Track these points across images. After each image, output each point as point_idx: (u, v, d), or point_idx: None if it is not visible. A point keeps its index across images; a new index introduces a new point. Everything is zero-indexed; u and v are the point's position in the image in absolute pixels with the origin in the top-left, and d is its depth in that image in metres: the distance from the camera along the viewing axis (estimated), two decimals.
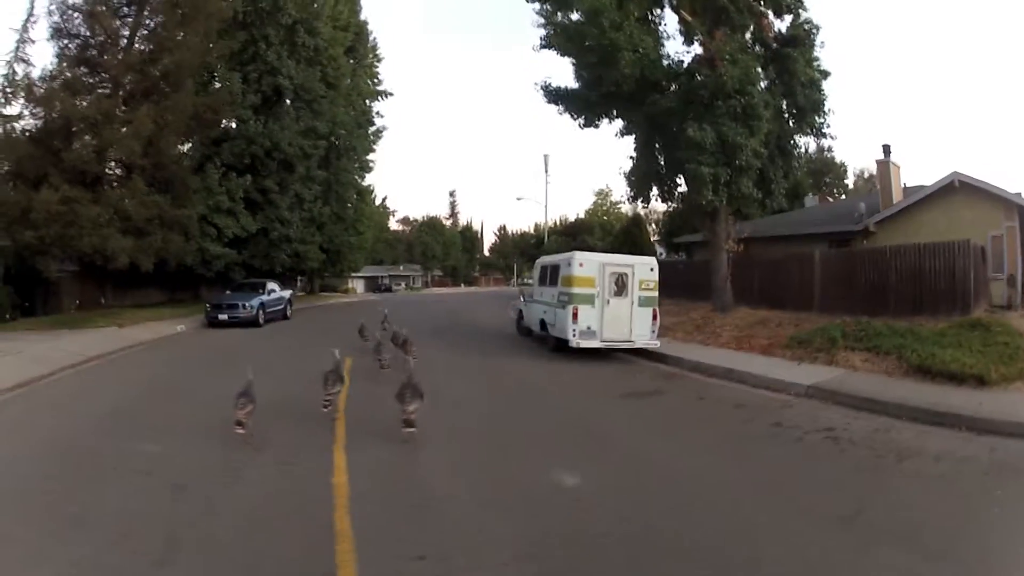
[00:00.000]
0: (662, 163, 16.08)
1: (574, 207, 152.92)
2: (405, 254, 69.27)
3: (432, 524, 3.98)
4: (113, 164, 18.53)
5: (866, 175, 50.22)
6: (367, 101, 31.53)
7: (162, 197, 17.96)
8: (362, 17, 30.41)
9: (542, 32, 15.73)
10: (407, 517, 4.09)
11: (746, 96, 13.10)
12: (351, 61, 27.99)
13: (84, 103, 17.40)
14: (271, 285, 20.33)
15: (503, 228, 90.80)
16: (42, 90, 17.46)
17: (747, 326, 13.69)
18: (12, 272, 17.86)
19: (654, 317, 11.72)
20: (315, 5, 24.63)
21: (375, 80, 32.11)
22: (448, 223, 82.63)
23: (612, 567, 3.40)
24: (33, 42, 18.40)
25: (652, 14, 15.54)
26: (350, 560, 3.41)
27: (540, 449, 5.91)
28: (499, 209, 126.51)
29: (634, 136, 16.67)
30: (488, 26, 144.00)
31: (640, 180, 16.77)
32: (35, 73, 17.75)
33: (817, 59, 15.11)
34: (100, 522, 3.96)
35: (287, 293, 21.67)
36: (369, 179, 32.24)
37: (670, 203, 18.92)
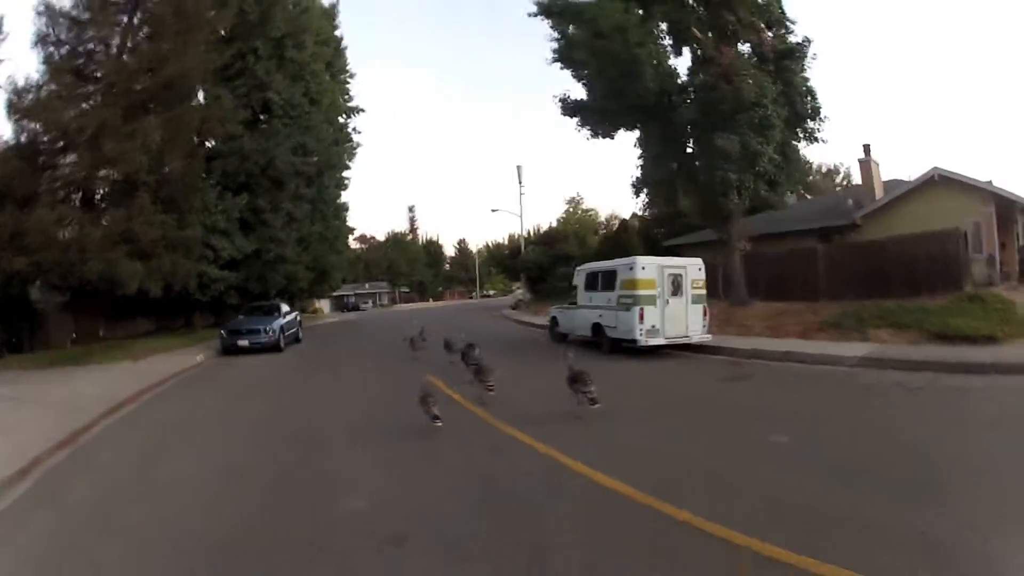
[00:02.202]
0: (675, 170, 17.98)
1: (544, 216, 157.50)
2: (364, 272, 69.29)
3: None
4: (114, 181, 17.59)
5: (825, 170, 55.14)
6: (341, 117, 32.13)
7: (168, 216, 17.44)
8: (337, 33, 31.13)
9: (554, 46, 17.42)
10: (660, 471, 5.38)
11: (761, 108, 15.14)
12: (328, 77, 28.62)
13: (76, 114, 16.63)
14: (284, 307, 20.53)
15: (463, 242, 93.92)
16: (27, 101, 16.50)
17: (769, 317, 15.61)
18: None
19: (705, 313, 13.35)
20: (303, 18, 25.16)
21: (346, 96, 32.78)
22: (408, 239, 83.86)
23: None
24: (2, 60, 17.92)
25: (658, 31, 17.51)
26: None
27: (707, 422, 7.31)
28: (458, 223, 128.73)
29: (644, 146, 18.58)
30: (432, 42, 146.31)
31: (653, 187, 18.71)
32: (19, 83, 16.64)
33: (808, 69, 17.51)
34: None
35: (296, 315, 21.91)
36: (344, 196, 32.82)
37: (675, 207, 21.07)
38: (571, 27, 16.70)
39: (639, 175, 19.17)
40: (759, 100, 15.00)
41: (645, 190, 19.30)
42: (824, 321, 13.69)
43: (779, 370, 10.65)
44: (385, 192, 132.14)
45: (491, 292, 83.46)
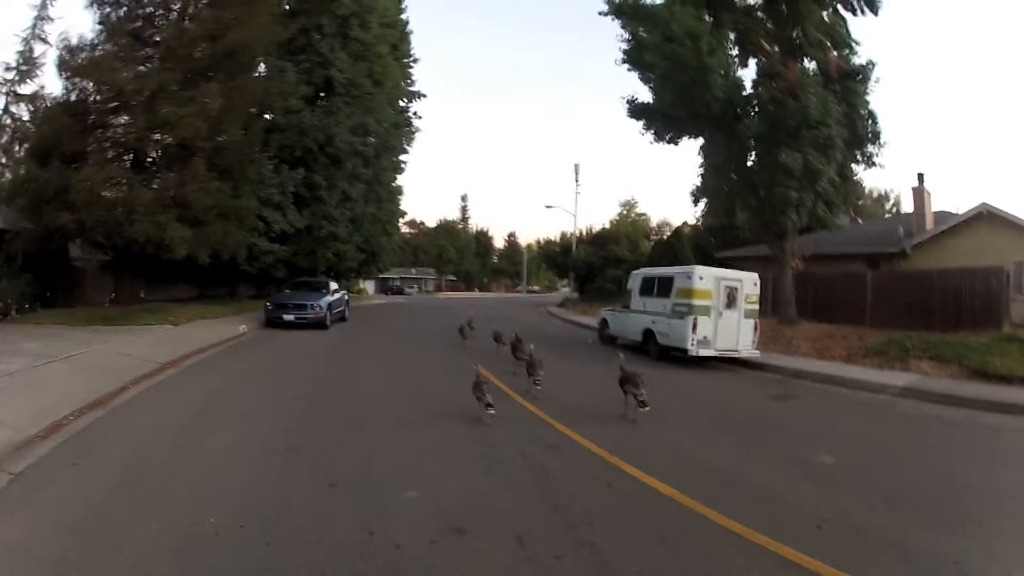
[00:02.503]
0: (735, 182, 18.01)
1: (595, 217, 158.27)
2: (411, 257, 70.44)
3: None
4: (168, 145, 17.54)
5: (876, 195, 53.97)
6: (403, 101, 32.56)
7: (222, 184, 17.45)
8: (403, 16, 31.64)
9: (624, 47, 17.60)
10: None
11: (825, 127, 15.08)
12: (393, 60, 29.12)
13: (132, 76, 16.59)
14: (333, 284, 20.53)
15: (512, 235, 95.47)
16: (81, 61, 16.62)
17: (816, 338, 15.54)
18: (30, 258, 16.22)
19: (756, 328, 13.37)
20: None
21: (409, 80, 33.20)
22: (459, 228, 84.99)
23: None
24: (52, 20, 17.78)
25: (727, 40, 17.52)
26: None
27: (754, 437, 7.47)
28: (508, 216, 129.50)
29: (707, 155, 18.66)
30: (501, 35, 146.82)
31: (712, 196, 18.82)
32: (72, 42, 16.87)
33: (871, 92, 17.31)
34: None
35: (344, 294, 22.00)
36: (399, 180, 33.42)
37: (732, 219, 21.12)
38: (641, 29, 16.86)
39: (699, 184, 19.31)
40: (823, 119, 14.95)
41: (704, 199, 19.38)
42: (869, 348, 13.64)
43: (823, 392, 10.69)
44: (438, 179, 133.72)
45: (536, 288, 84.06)
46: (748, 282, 13.47)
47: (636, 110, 18.25)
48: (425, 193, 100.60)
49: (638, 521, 4.33)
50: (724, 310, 12.97)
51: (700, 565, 3.68)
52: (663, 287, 13.90)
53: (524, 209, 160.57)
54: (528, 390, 8.62)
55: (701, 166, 19.42)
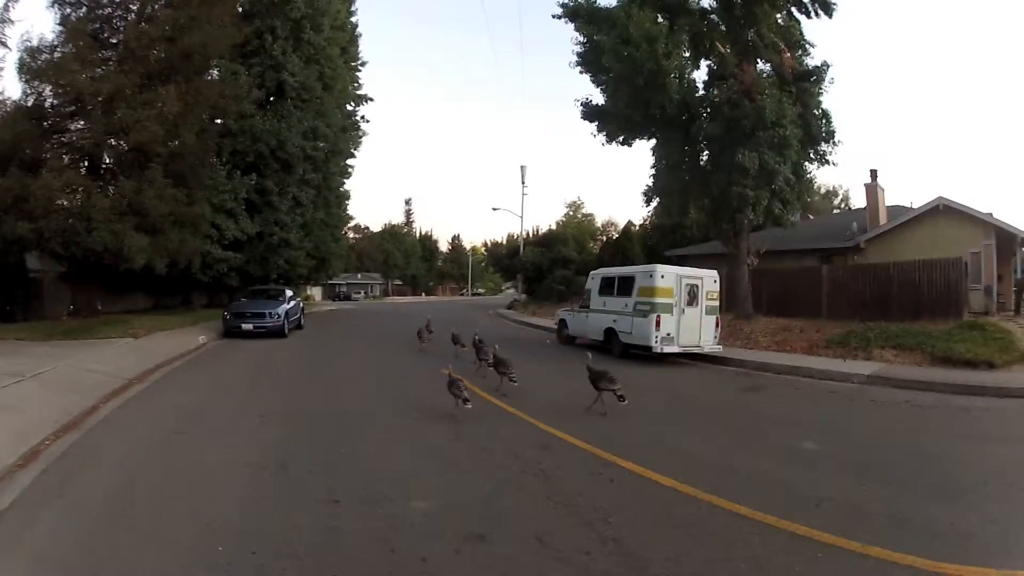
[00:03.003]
0: (688, 181, 18.53)
1: (541, 218, 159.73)
2: (356, 263, 69.58)
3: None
4: (126, 150, 17.21)
5: (824, 191, 56.38)
6: (350, 105, 32.24)
7: (178, 191, 17.23)
8: (353, 20, 31.30)
9: (577, 49, 17.97)
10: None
11: (780, 127, 15.74)
12: (343, 63, 28.82)
13: (91, 78, 16.26)
14: (288, 292, 20.52)
15: (457, 238, 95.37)
16: (41, 62, 16.24)
17: (774, 332, 16.21)
18: None
19: (717, 324, 13.88)
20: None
21: (356, 84, 32.89)
22: (404, 232, 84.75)
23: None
24: (12, 23, 17.06)
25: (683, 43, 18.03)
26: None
27: (735, 427, 7.79)
28: (453, 219, 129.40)
29: (660, 155, 19.14)
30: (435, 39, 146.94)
31: (665, 196, 19.31)
32: (33, 43, 16.47)
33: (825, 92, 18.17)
34: None
35: (299, 301, 21.92)
36: (347, 184, 33.00)
37: (686, 218, 21.74)
38: (596, 32, 17.17)
39: (651, 184, 19.79)
40: (779, 120, 15.58)
41: (657, 199, 19.86)
42: (830, 339, 14.33)
43: (791, 383, 11.14)
44: (381, 183, 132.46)
45: (481, 291, 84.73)
46: (708, 279, 13.98)
47: (590, 112, 18.55)
48: (368, 197, 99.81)
49: (649, 511, 4.51)
50: (686, 307, 13.43)
51: (720, 546, 3.89)
52: (624, 286, 14.28)
53: (470, 212, 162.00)
54: (498, 387, 8.88)
55: (653, 166, 20.00)
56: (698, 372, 12.64)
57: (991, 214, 20.04)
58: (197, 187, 19.00)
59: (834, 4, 17.51)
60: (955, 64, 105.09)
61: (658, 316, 12.95)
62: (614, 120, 18.03)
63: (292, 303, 20.05)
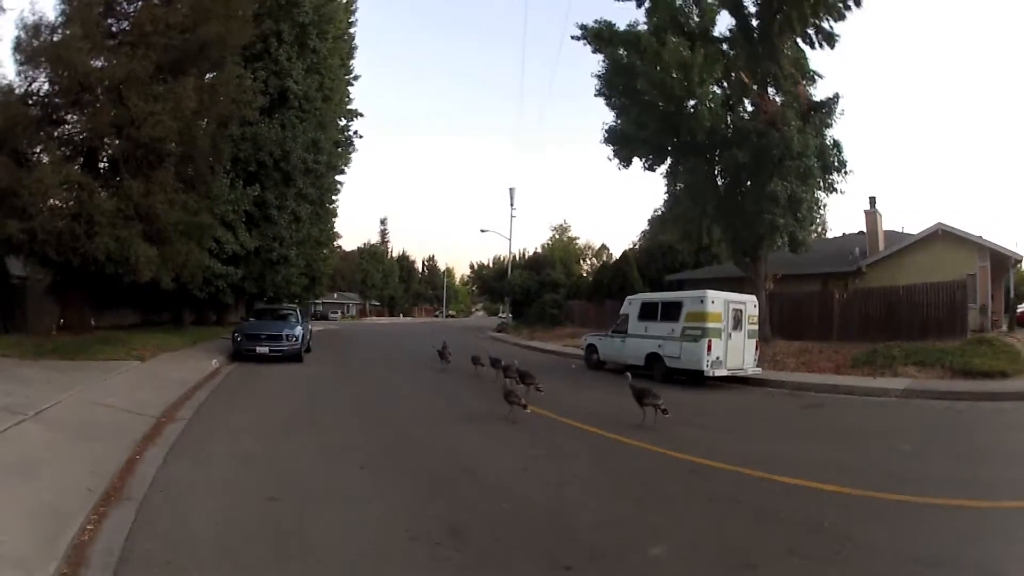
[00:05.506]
0: (711, 206, 19.80)
1: (528, 240, 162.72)
2: (331, 282, 69.34)
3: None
4: (137, 145, 15.64)
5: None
6: (342, 119, 32.48)
7: (189, 197, 16.52)
8: (352, 31, 31.68)
9: (600, 74, 19.24)
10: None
11: (806, 158, 17.14)
12: (344, 75, 29.21)
13: (99, 63, 15.35)
14: (298, 312, 20.31)
15: (432, 258, 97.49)
16: (40, 42, 15.21)
17: (795, 354, 17.47)
18: None
19: (757, 347, 14.97)
20: (330, 5, 25.51)
21: (348, 98, 33.01)
22: (383, 252, 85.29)
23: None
24: (4, 11, 16.19)
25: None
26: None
27: (824, 438, 8.86)
28: (428, 240, 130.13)
29: (679, 180, 20.45)
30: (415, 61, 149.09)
31: (685, 221, 20.63)
32: (30, 21, 15.20)
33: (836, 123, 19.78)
34: None
35: (308, 322, 21.73)
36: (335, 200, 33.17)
37: (700, 242, 23.12)
38: (624, 54, 18.38)
39: (665, 208, 21.05)
40: (804, 150, 17.00)
41: (671, 223, 21.16)
42: (855, 358, 15.66)
43: (840, 400, 12.25)
44: (354, 201, 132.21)
45: (452, 312, 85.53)
46: (750, 304, 15.09)
47: (615, 137, 19.66)
48: (342, 215, 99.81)
49: (853, 514, 5.22)
50: (732, 331, 14.39)
51: (910, 524, 5.02)
52: (669, 312, 15.12)
53: (445, 233, 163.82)
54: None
55: (668, 191, 21.30)
56: (745, 393, 13.58)
57: (981, 236, 22.06)
58: (204, 195, 18.38)
59: (837, 36, 19.10)
60: (936, 84, 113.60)
61: (710, 340, 13.82)
62: (642, 145, 19.15)
63: (304, 324, 19.63)
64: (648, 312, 15.90)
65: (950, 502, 5.40)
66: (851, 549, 4.36)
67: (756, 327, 15.18)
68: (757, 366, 14.96)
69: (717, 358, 13.95)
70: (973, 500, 5.45)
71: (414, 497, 5.57)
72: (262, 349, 16.92)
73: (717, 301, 14.24)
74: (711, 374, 13.88)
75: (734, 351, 14.36)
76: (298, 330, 17.98)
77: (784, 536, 4.67)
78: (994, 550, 4.43)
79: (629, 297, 17.45)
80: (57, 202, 14.86)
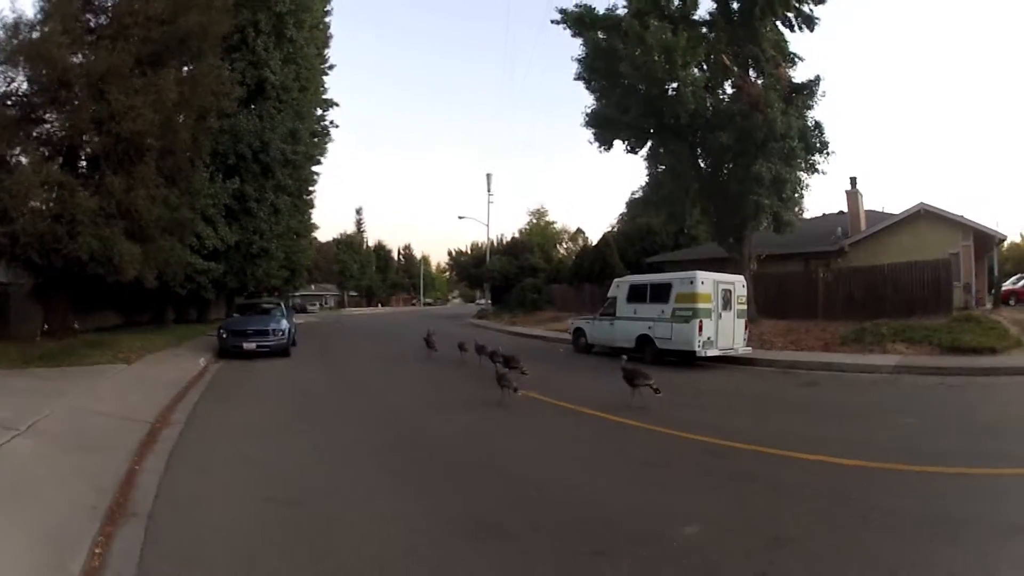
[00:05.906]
0: (695, 188, 20.07)
1: (506, 226, 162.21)
2: (307, 274, 68.93)
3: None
4: (117, 140, 15.19)
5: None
6: (318, 109, 32.03)
7: (170, 192, 16.32)
8: (327, 20, 31.15)
9: (579, 56, 19.39)
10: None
11: (789, 139, 17.42)
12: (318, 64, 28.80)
13: (80, 57, 15.13)
14: (283, 306, 20.18)
15: (408, 247, 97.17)
16: (21, 40, 14.79)
17: (782, 333, 17.84)
18: None
19: (746, 327, 15.28)
20: None
21: (323, 88, 32.52)
22: (359, 242, 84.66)
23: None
24: None
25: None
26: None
27: (829, 415, 9.13)
28: (405, 228, 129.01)
29: (660, 162, 20.67)
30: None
31: (662, 203, 20.93)
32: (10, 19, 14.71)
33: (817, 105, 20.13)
34: None
35: (292, 315, 21.61)
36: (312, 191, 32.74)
37: (683, 223, 23.39)
38: (602, 39, 18.46)
39: (646, 191, 21.27)
40: (787, 132, 17.27)
41: (653, 205, 21.36)
42: (844, 336, 16.02)
43: (834, 378, 12.55)
44: (329, 191, 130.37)
45: (430, 300, 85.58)
46: (738, 284, 15.37)
47: (596, 120, 19.83)
48: (318, 206, 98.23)
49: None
50: (722, 312, 14.67)
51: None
52: (658, 293, 15.35)
53: (420, 221, 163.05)
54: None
55: (649, 173, 21.49)
56: (738, 373, 13.83)
57: (964, 216, 22.66)
58: (184, 190, 18.11)
59: (817, 19, 19.36)
60: (917, 66, 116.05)
61: (700, 321, 14.08)
62: (625, 128, 19.28)
63: (291, 318, 19.66)
64: (637, 294, 16.09)
65: (967, 471, 5.69)
66: (881, 516, 4.57)
67: (745, 307, 15.47)
68: (747, 345, 15.26)
69: (708, 338, 14.22)
70: (989, 468, 5.75)
71: (439, 491, 5.55)
72: (249, 345, 16.84)
73: (707, 282, 14.48)
74: (703, 354, 14.16)
75: (724, 331, 14.64)
76: (284, 324, 17.88)
77: (813, 509, 4.88)
78: (1017, 509, 4.74)
79: (617, 279, 17.64)
80: (38, 203, 14.65)
